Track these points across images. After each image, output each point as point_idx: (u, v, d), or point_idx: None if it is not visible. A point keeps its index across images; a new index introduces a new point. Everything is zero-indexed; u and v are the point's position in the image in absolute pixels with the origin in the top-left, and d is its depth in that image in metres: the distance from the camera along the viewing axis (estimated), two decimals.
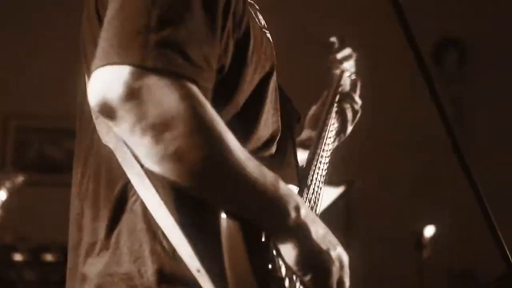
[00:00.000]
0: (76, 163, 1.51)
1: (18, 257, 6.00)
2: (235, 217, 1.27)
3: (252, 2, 1.58)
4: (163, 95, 1.19)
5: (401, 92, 6.32)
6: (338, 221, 6.18)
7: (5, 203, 4.74)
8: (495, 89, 6.94)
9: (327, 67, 2.34)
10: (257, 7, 1.62)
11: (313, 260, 1.34)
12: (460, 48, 7.13)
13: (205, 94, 1.25)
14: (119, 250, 1.35)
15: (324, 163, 1.89)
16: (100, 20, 1.36)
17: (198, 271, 1.26)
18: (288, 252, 1.31)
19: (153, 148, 1.20)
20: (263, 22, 1.60)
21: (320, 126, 2.03)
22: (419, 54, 1.50)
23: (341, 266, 1.36)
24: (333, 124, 2.09)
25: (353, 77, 2.39)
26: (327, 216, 1.84)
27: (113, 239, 1.36)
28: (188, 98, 1.20)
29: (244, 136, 1.41)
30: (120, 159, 1.35)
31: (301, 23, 6.34)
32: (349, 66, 2.35)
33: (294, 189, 1.57)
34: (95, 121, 1.40)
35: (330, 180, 1.93)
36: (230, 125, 1.32)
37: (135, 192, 1.34)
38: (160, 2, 1.23)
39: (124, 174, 1.34)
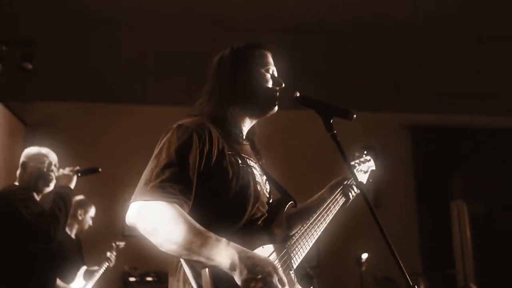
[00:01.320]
0: None
1: (132, 279, 5.96)
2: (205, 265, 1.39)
3: (233, 152, 1.64)
4: (155, 212, 1.41)
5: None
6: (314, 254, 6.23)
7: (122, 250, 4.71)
8: (396, 170, 6.94)
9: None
10: (242, 153, 1.69)
11: (248, 283, 1.36)
12: (374, 150, 6.99)
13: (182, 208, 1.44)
14: None
15: (320, 225, 1.81)
16: None
17: None
18: (238, 280, 1.38)
19: (155, 241, 1.41)
20: (241, 160, 1.66)
21: (321, 203, 1.93)
22: (346, 159, 1.56)
23: (271, 276, 1.38)
24: (335, 201, 1.94)
25: (369, 172, 2.21)
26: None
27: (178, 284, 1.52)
28: (168, 211, 1.40)
29: (236, 217, 1.58)
30: None
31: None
32: (365, 167, 2.21)
33: (270, 247, 1.58)
34: None
35: None
36: (225, 212, 1.56)
37: (181, 264, 1.49)
38: (158, 166, 1.48)
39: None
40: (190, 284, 1.44)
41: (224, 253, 1.40)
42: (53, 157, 3.24)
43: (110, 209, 4.64)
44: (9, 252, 2.91)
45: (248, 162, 1.70)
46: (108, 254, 4.48)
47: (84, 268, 4.23)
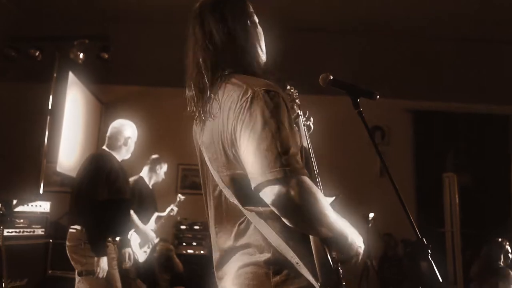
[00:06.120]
0: (209, 205, 1.37)
1: (183, 226, 6.07)
2: (324, 240, 1.16)
3: None
4: (302, 193, 1.07)
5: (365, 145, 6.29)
6: None
7: (179, 204, 4.71)
8: (398, 146, 6.90)
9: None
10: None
11: (350, 256, 1.23)
12: (381, 129, 7.01)
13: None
14: (248, 246, 1.22)
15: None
16: (226, 155, 1.22)
17: (297, 263, 1.15)
18: (340, 250, 1.21)
19: (298, 221, 1.11)
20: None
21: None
22: (369, 132, 1.51)
23: (359, 255, 1.26)
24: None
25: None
26: None
27: (241, 240, 1.23)
28: (311, 192, 1.09)
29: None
30: (241, 209, 1.20)
31: None
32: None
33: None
34: (223, 190, 1.26)
35: (326, 194, 1.74)
36: None
37: (250, 222, 1.21)
38: (277, 136, 1.10)
39: (242, 213, 1.22)
40: (266, 244, 1.19)
41: (348, 233, 1.22)
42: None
43: (167, 171, 4.65)
44: (111, 200, 2.94)
45: None
46: (172, 206, 4.52)
47: (156, 214, 4.29)
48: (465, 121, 6.95)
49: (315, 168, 1.48)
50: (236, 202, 1.22)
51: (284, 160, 1.08)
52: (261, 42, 1.39)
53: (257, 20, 1.39)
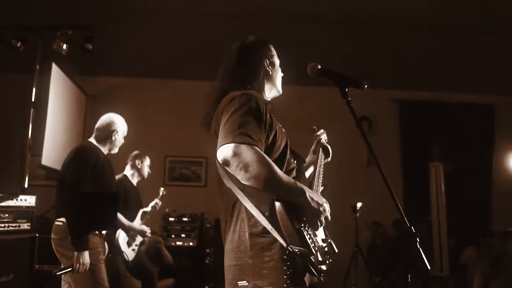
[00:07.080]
0: (219, 193, 1.62)
1: (171, 219, 6.06)
2: (280, 199, 1.41)
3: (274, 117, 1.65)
4: (247, 153, 1.38)
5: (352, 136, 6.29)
6: None
7: (165, 196, 4.67)
8: (385, 136, 6.92)
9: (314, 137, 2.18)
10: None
11: (313, 213, 1.46)
12: (368, 119, 7.04)
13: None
14: (236, 224, 1.52)
15: (321, 176, 1.88)
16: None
17: (272, 229, 1.42)
18: (303, 211, 1.44)
19: (245, 176, 1.39)
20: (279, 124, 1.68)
21: (315, 159, 2.03)
22: (358, 122, 1.55)
23: (325, 211, 1.48)
24: (321, 158, 2.06)
25: (326, 143, 2.21)
26: None
27: (233, 219, 1.53)
28: (257, 153, 1.39)
29: (280, 167, 1.51)
30: (233, 191, 1.49)
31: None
32: (323, 138, 2.21)
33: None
34: (223, 178, 1.53)
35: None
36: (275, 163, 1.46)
37: (240, 202, 1.49)
38: (239, 119, 1.45)
39: (235, 196, 1.50)
40: (248, 218, 1.47)
41: (299, 188, 1.45)
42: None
43: (154, 163, 4.61)
44: (94, 196, 2.89)
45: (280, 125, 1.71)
46: (156, 200, 4.48)
47: (141, 210, 4.25)
48: (451, 111, 7.01)
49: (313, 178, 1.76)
50: (230, 184, 1.50)
51: (238, 133, 1.41)
52: (275, 79, 1.82)
53: (277, 62, 1.83)
